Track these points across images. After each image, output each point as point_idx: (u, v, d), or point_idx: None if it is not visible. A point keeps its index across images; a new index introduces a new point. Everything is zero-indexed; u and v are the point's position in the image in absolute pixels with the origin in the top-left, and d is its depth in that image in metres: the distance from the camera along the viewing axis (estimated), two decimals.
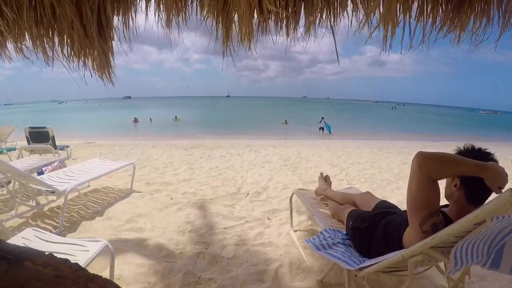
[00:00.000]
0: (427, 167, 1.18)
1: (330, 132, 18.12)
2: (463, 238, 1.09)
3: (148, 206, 3.23)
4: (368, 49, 1.74)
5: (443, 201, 1.37)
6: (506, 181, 1.14)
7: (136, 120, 26.40)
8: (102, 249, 1.63)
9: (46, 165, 3.98)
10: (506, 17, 1.63)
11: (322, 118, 19.51)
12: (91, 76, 2.24)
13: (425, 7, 1.68)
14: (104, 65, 2.20)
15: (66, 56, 2.10)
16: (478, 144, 1.33)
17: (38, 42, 1.99)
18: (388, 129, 22.47)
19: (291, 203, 2.70)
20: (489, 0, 1.63)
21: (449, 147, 1.48)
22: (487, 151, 1.28)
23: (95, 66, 2.19)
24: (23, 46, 2.04)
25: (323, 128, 18.51)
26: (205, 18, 1.84)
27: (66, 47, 2.07)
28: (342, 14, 1.79)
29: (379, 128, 24.21)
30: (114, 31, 2.06)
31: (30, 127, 5.30)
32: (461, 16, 1.70)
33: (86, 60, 2.17)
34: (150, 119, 27.27)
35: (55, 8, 1.75)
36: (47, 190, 2.77)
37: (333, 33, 1.81)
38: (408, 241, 1.29)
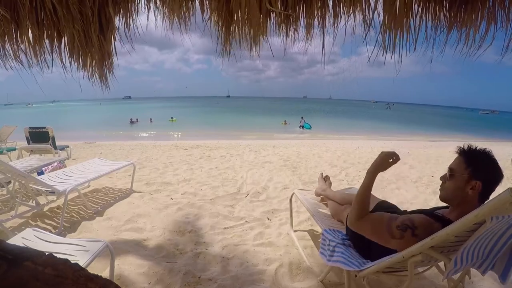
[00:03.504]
0: (360, 218, 1.41)
1: (310, 128, 21.20)
2: (463, 240, 1.09)
3: (148, 206, 3.23)
4: (368, 49, 1.72)
5: (439, 203, 1.37)
6: (393, 153, 1.41)
7: (132, 121, 25.25)
8: (102, 249, 1.63)
9: (46, 165, 3.98)
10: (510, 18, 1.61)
11: (302, 117, 22.88)
12: (89, 79, 2.23)
13: (429, 8, 1.66)
14: (104, 67, 2.20)
15: (67, 57, 2.09)
16: (481, 144, 1.33)
17: (38, 43, 1.98)
18: (385, 129, 22.60)
19: (291, 203, 2.70)
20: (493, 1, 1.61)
21: (449, 146, 1.48)
22: (485, 150, 1.28)
23: (95, 69, 2.19)
24: (22, 48, 2.03)
25: (302, 126, 21.66)
26: (208, 19, 1.84)
27: (66, 48, 2.07)
28: (342, 15, 1.78)
29: (376, 127, 24.26)
30: (115, 32, 2.05)
31: (30, 127, 5.29)
32: (464, 17, 1.68)
33: (87, 61, 2.16)
34: (151, 119, 26.43)
35: (56, 9, 1.75)
36: (47, 190, 2.77)
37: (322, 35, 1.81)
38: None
